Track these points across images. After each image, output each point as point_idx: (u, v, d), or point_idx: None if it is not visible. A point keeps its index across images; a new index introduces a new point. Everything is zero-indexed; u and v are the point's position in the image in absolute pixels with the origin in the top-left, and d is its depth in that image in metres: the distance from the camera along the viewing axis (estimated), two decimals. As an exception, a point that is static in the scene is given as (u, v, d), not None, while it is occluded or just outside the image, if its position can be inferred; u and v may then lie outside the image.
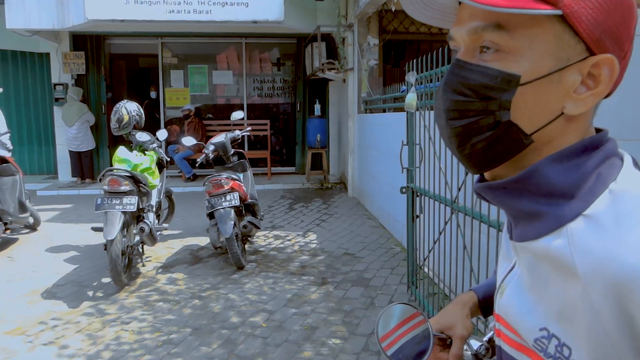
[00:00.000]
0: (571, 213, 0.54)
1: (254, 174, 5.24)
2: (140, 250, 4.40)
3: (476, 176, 0.66)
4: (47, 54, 8.96)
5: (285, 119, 10.35)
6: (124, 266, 3.85)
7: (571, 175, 0.56)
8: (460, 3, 0.61)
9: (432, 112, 3.15)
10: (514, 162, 0.59)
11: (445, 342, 0.93)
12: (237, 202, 4.26)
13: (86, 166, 8.68)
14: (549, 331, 0.55)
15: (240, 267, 4.32)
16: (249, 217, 4.61)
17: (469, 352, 0.94)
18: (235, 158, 4.87)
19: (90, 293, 3.87)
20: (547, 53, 0.55)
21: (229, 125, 8.37)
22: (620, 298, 0.47)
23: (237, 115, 5.19)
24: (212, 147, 4.68)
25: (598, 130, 0.60)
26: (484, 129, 0.58)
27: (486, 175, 0.64)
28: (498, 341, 0.68)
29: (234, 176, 4.46)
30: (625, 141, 1.70)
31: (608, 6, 0.54)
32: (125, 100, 4.66)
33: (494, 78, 0.56)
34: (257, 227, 4.69)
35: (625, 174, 0.55)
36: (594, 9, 0.54)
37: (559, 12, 0.53)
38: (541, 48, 0.55)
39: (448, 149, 0.63)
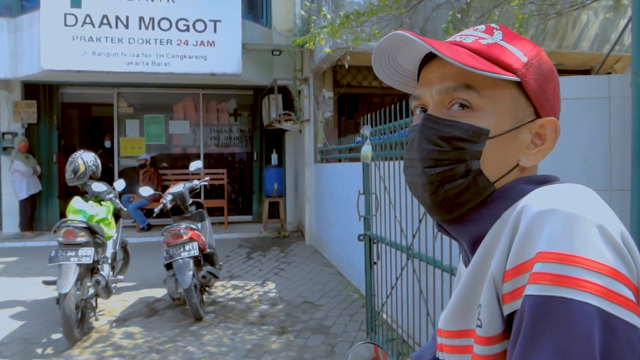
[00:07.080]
0: (505, 207, 0.66)
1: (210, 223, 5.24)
2: (94, 303, 4.26)
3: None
4: (-4, 102, 8.77)
5: (241, 167, 10.42)
6: (77, 321, 3.73)
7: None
8: (420, 70, 0.74)
9: (386, 163, 3.34)
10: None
11: None
12: (196, 252, 4.25)
13: (22, 217, 8.40)
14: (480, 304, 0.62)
15: (199, 319, 4.25)
16: (207, 267, 4.58)
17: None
18: (193, 208, 4.88)
19: (40, 350, 3.70)
20: (507, 112, 0.67)
21: (186, 174, 8.36)
22: (514, 229, 0.58)
23: (195, 164, 5.23)
24: (170, 197, 4.68)
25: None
26: (457, 177, 0.67)
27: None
28: (441, 355, 0.74)
29: (192, 226, 4.46)
30: (615, 191, 1.90)
31: (546, 78, 0.68)
32: (82, 151, 4.62)
33: (467, 131, 0.66)
34: (216, 277, 4.66)
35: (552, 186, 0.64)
36: (538, 79, 0.67)
37: (517, 79, 0.66)
38: (503, 108, 0.67)
39: (415, 197, 0.74)
